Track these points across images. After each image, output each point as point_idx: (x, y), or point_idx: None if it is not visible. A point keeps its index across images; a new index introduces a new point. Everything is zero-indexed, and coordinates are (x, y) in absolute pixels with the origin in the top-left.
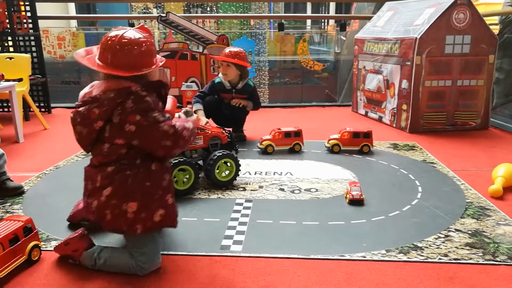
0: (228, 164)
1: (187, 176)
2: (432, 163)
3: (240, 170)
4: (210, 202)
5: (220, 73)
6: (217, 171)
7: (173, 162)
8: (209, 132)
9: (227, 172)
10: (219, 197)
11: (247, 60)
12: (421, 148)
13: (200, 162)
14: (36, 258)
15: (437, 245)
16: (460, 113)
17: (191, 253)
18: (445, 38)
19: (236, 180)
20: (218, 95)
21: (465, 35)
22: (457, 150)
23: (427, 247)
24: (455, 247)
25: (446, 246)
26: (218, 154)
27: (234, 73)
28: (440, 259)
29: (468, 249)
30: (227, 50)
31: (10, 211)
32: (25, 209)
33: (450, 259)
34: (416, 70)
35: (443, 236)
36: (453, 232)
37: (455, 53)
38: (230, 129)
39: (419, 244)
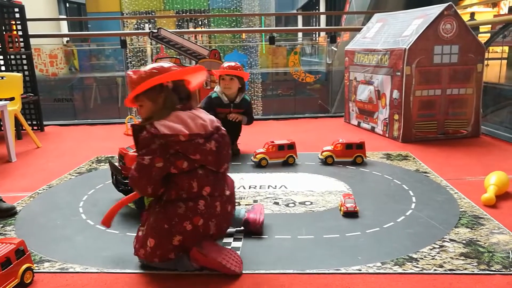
0: None
1: None
2: (425, 172)
3: None
4: None
5: (217, 88)
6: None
7: None
8: None
9: None
10: None
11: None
12: (414, 158)
13: None
14: (29, 281)
15: (432, 256)
16: (450, 121)
17: (186, 271)
18: (434, 48)
19: None
20: (214, 110)
21: (452, 45)
22: (449, 158)
23: (422, 258)
24: (450, 258)
25: (441, 257)
26: None
27: (237, 86)
28: (435, 270)
29: (463, 259)
30: (225, 65)
31: (2, 233)
32: (17, 230)
33: (445, 270)
34: (406, 80)
35: (438, 246)
36: (448, 242)
37: (444, 63)
38: None
39: (414, 256)
